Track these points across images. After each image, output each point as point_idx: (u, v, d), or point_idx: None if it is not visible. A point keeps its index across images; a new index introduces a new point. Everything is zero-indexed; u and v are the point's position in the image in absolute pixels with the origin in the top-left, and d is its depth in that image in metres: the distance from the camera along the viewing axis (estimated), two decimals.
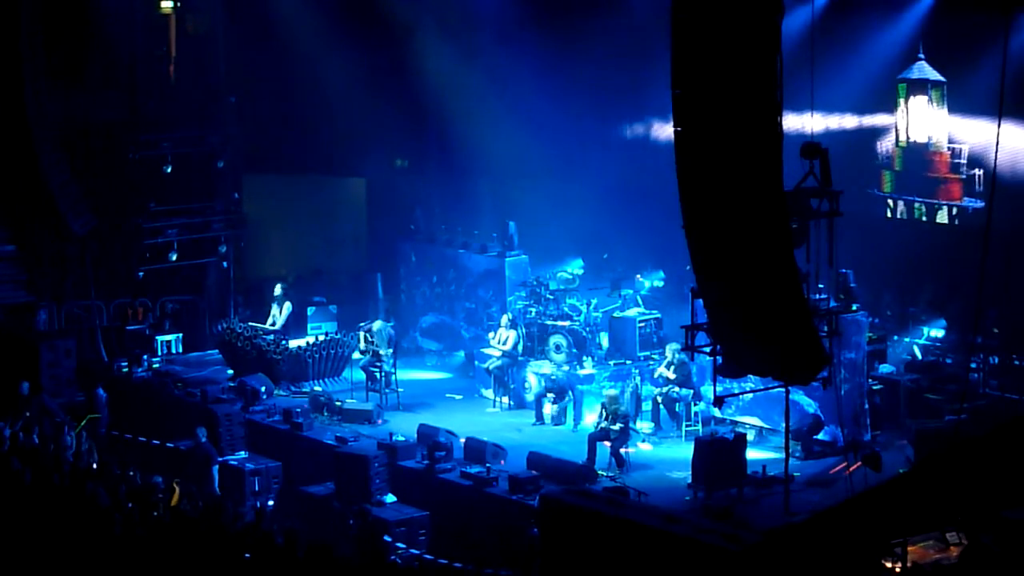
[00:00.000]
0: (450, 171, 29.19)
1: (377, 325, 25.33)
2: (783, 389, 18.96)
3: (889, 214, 25.33)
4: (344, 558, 16.78)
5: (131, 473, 19.74)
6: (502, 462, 21.16)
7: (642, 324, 24.53)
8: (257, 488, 21.70)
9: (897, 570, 16.30)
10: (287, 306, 26.60)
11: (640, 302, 25.16)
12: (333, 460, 21.37)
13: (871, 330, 22.47)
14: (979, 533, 15.95)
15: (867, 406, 21.59)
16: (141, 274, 27.52)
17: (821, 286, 19.25)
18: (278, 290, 26.67)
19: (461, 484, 20.60)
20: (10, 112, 25.39)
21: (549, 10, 27.49)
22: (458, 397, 25.37)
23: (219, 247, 28.39)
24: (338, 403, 24.16)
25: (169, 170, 27.55)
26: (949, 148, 24.35)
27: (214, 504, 18.99)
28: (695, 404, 22.57)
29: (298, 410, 23.31)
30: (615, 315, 25.01)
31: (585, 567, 15.35)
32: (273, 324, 26.43)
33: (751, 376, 19.39)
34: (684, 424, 22.52)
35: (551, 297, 25.09)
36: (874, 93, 25.07)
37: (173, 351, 27.07)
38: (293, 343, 26.01)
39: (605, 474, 20.86)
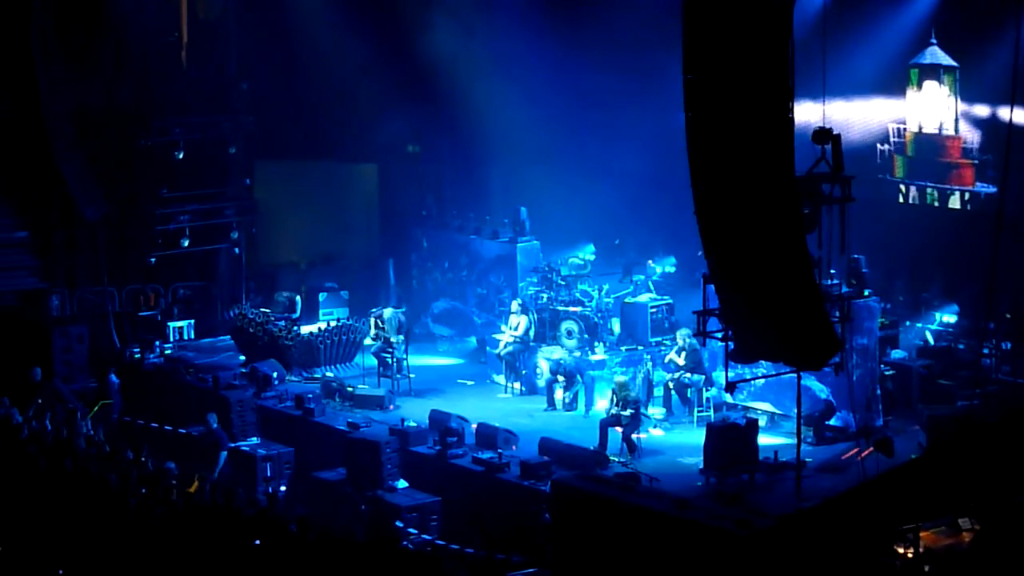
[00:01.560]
0: (462, 157, 29.15)
1: (388, 312, 25.33)
2: (795, 375, 18.91)
3: (901, 199, 25.26)
4: (355, 543, 16.79)
5: (143, 459, 19.78)
6: (514, 448, 21.16)
7: (654, 310, 24.50)
8: (269, 474, 21.73)
9: (909, 556, 16.29)
10: (297, 299, 26.92)
11: (652, 288, 25.12)
12: (345, 446, 21.40)
13: (883, 316, 22.45)
14: (992, 519, 15.92)
15: (879, 392, 21.56)
16: (153, 260, 27.52)
17: (833, 272, 19.23)
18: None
19: (473, 470, 20.60)
20: (23, 99, 25.46)
21: None
22: (470, 383, 25.36)
23: (231, 233, 28.37)
24: (350, 389, 24.18)
25: (181, 156, 27.54)
26: (961, 133, 24.28)
27: (226, 490, 19.01)
28: (707, 390, 22.55)
29: (310, 396, 23.34)
30: (627, 301, 24.99)
31: (597, 552, 15.37)
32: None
33: (763, 362, 19.35)
34: (696, 410, 22.50)
35: (563, 283, 25.05)
36: (886, 78, 24.99)
37: (185, 337, 27.08)
38: (305, 329, 26.05)
39: (617, 460, 20.85)
